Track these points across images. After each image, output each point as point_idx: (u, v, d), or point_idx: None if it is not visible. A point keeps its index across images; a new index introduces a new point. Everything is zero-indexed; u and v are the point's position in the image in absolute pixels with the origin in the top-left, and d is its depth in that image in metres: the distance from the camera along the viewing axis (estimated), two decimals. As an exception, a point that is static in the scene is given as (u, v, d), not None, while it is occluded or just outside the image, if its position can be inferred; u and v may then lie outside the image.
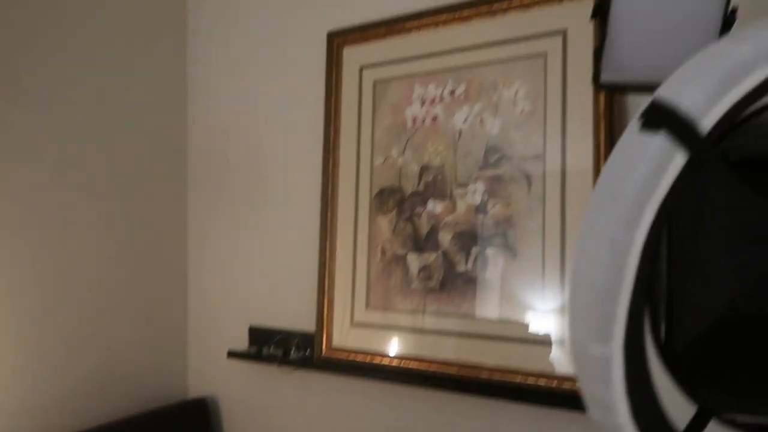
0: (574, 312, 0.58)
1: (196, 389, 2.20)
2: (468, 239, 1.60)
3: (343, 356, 1.77)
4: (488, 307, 1.55)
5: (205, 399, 2.11)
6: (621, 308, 0.53)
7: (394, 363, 1.67)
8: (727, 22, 0.98)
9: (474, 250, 1.59)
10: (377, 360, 1.70)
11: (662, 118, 0.52)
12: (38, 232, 1.75)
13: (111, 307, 1.95)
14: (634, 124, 0.55)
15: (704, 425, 0.66)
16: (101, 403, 1.90)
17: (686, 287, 0.73)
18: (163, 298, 2.15)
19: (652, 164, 0.52)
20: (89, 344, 1.89)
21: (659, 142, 0.52)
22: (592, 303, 0.55)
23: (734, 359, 0.70)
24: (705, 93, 0.49)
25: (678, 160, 0.52)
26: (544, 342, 1.45)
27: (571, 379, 1.40)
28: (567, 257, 1.46)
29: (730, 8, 0.96)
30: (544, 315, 1.47)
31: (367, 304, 1.77)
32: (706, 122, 0.51)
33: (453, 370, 1.57)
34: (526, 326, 1.49)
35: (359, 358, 1.74)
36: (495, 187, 1.55)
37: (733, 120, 0.52)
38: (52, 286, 1.78)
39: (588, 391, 0.59)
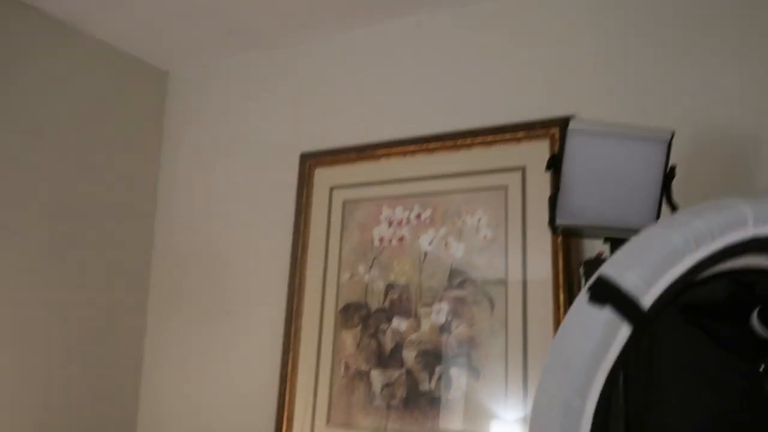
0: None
1: None
2: (432, 358, 1.62)
3: (301, 477, 1.71)
4: (451, 426, 1.55)
5: None
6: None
7: (354, 486, 1.63)
8: (668, 176, 1.09)
9: (438, 369, 1.61)
10: (337, 483, 1.65)
11: (608, 293, 0.58)
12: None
13: (61, 412, 1.87)
14: (582, 295, 0.61)
15: None
16: None
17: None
18: (114, 401, 2.05)
19: (600, 336, 0.57)
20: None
21: (606, 315, 0.58)
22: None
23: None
24: (643, 276, 0.56)
25: (623, 332, 0.57)
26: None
27: None
28: (529, 377, 1.49)
29: (669, 165, 1.08)
30: (506, 439, 1.48)
31: (328, 420, 1.74)
32: (647, 300, 0.57)
33: (414, 498, 1.54)
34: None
35: (318, 479, 1.68)
36: (459, 308, 1.60)
37: (671, 297, 0.59)
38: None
39: None
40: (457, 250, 1.62)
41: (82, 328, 1.95)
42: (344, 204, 1.82)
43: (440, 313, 1.62)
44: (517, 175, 1.56)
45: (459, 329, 1.59)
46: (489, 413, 1.50)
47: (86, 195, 1.98)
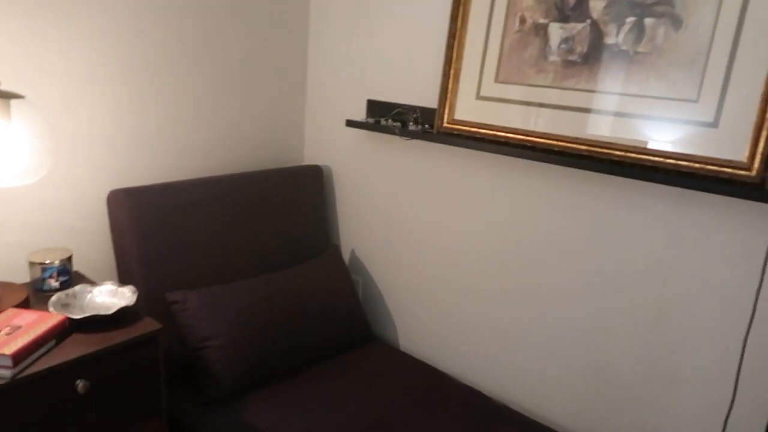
0: None
1: (312, 157, 2.28)
2: (625, 7, 1.42)
3: (465, 128, 1.73)
4: (633, 84, 1.42)
5: (320, 166, 2.19)
6: None
7: (519, 137, 1.62)
8: None
9: (629, 20, 1.42)
10: (502, 134, 1.66)
11: None
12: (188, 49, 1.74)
13: (235, 82, 1.99)
14: None
15: None
16: (226, 162, 2.03)
17: None
18: (282, 69, 2.15)
19: None
20: (216, 114, 1.96)
21: None
22: None
23: None
24: None
25: None
26: (698, 124, 1.33)
27: (720, 162, 1.30)
28: (743, 32, 1.27)
29: None
30: (701, 96, 1.33)
31: (497, 77, 1.68)
32: None
33: (583, 148, 1.50)
34: (676, 107, 1.36)
35: (483, 131, 1.70)
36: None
37: None
38: (195, 75, 1.82)
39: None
40: None
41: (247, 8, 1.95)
42: None
43: (648, -53, 1.36)
44: None
45: (668, -33, 1.34)
46: (682, 77, 1.34)
47: None
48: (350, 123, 2.02)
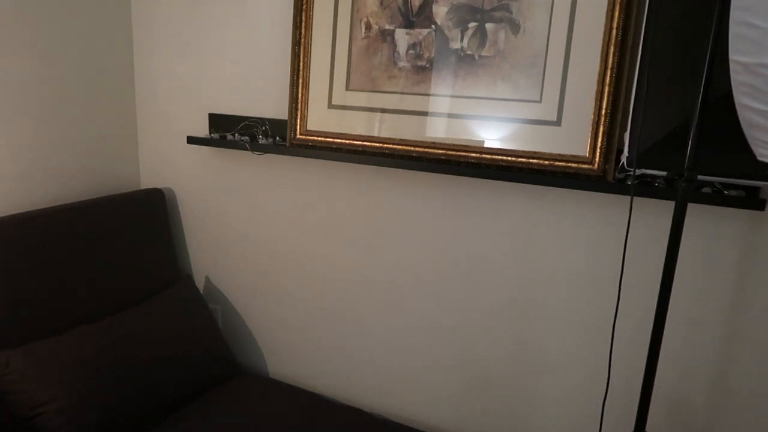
0: None
1: (151, 180, 2.06)
2: (466, 13, 1.46)
3: (319, 139, 1.66)
4: (481, 87, 1.46)
5: (160, 189, 1.98)
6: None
7: (377, 145, 1.59)
8: None
9: (472, 26, 1.46)
10: (358, 142, 1.62)
11: None
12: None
13: (57, 104, 1.72)
14: None
15: None
16: (49, 193, 1.75)
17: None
18: (108, 86, 1.91)
19: None
20: (33, 140, 1.68)
21: None
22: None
23: None
24: None
25: None
26: (542, 123, 1.40)
27: (566, 158, 1.38)
28: (574, 35, 1.36)
29: None
30: (541, 95, 1.40)
31: (348, 85, 1.64)
32: None
33: (440, 151, 1.52)
34: (523, 107, 1.42)
35: (338, 140, 1.64)
36: (506, -53, 1.38)
37: None
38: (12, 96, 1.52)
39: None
40: None
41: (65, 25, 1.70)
42: None
43: (483, -45, 1.41)
44: None
45: (503, -25, 1.40)
46: (524, 79, 1.40)
47: None
48: (192, 140, 1.85)
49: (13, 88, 1.63)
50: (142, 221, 1.86)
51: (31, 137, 1.69)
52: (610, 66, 1.30)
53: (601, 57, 1.31)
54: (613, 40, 1.30)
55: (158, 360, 1.57)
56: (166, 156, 2.01)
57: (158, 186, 2.04)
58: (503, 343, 1.59)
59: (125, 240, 1.79)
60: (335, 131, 1.65)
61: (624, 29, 1.29)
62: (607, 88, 1.31)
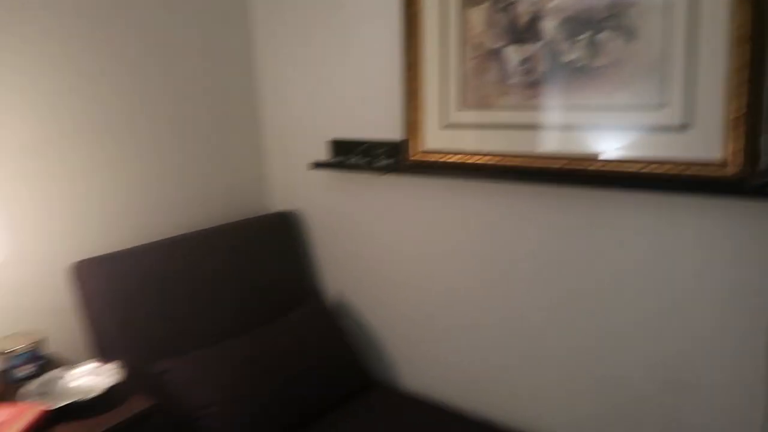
0: None
1: (282, 203, 2.23)
2: (577, 24, 1.47)
3: (436, 158, 1.73)
4: (598, 97, 1.46)
5: (288, 212, 2.15)
6: None
7: (494, 161, 1.63)
8: None
9: (583, 36, 1.46)
10: (473, 159, 1.66)
11: None
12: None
13: (185, 132, 1.96)
14: None
15: None
16: (188, 219, 1.97)
17: None
18: (236, 118, 2.11)
19: None
20: (172, 171, 1.92)
21: None
22: None
23: None
24: None
25: None
26: (667, 128, 1.37)
27: (696, 164, 1.33)
28: (699, 34, 1.32)
29: None
30: (665, 100, 1.37)
31: (461, 104, 1.70)
32: None
33: (559, 164, 1.52)
34: (644, 114, 1.40)
35: (454, 158, 1.70)
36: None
37: None
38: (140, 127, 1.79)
39: None
40: None
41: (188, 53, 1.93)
42: None
43: (590, -34, 1.41)
44: None
45: (613, -17, 1.39)
46: (642, 86, 1.37)
47: None
48: (317, 164, 1.99)
49: (161, 125, 1.86)
50: (274, 242, 2.02)
51: (177, 167, 1.92)
52: (742, 63, 1.25)
53: (731, 55, 1.26)
54: (743, 36, 1.24)
55: (301, 371, 1.70)
56: (294, 180, 2.17)
57: (289, 208, 2.20)
58: (646, 362, 1.52)
59: (263, 259, 1.96)
60: (450, 149, 1.71)
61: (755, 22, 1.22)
62: (741, 87, 1.25)
